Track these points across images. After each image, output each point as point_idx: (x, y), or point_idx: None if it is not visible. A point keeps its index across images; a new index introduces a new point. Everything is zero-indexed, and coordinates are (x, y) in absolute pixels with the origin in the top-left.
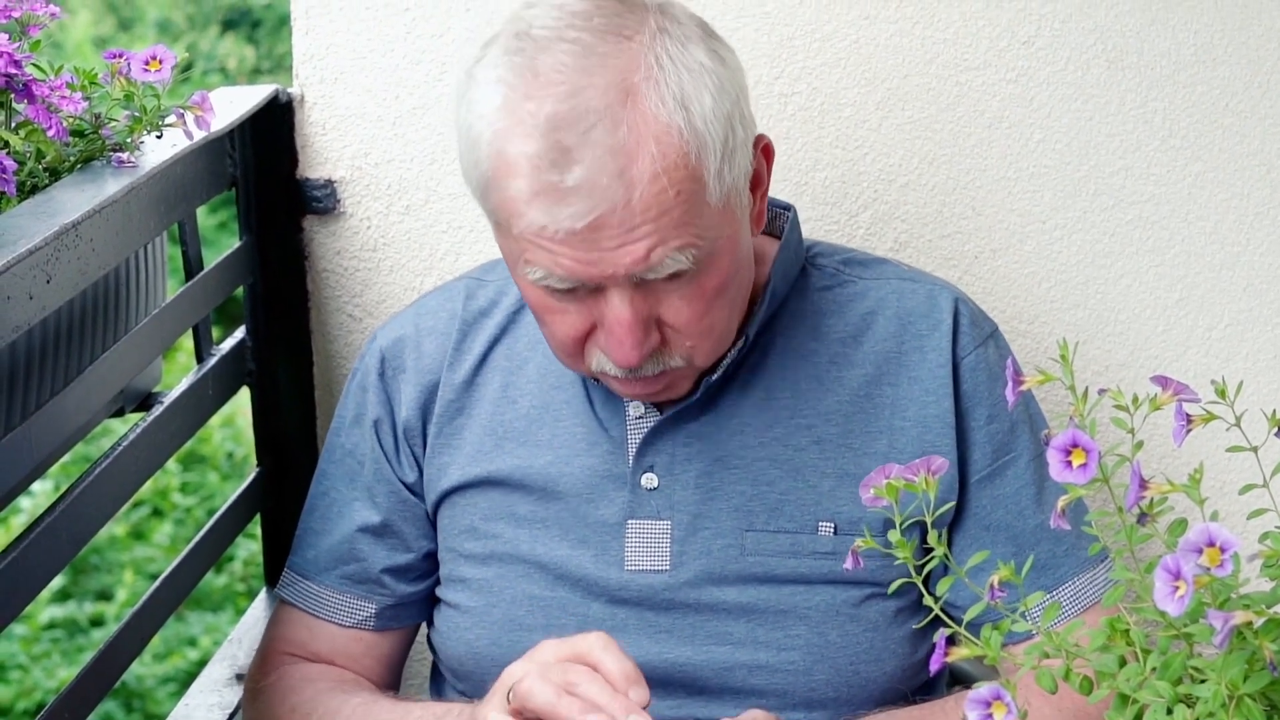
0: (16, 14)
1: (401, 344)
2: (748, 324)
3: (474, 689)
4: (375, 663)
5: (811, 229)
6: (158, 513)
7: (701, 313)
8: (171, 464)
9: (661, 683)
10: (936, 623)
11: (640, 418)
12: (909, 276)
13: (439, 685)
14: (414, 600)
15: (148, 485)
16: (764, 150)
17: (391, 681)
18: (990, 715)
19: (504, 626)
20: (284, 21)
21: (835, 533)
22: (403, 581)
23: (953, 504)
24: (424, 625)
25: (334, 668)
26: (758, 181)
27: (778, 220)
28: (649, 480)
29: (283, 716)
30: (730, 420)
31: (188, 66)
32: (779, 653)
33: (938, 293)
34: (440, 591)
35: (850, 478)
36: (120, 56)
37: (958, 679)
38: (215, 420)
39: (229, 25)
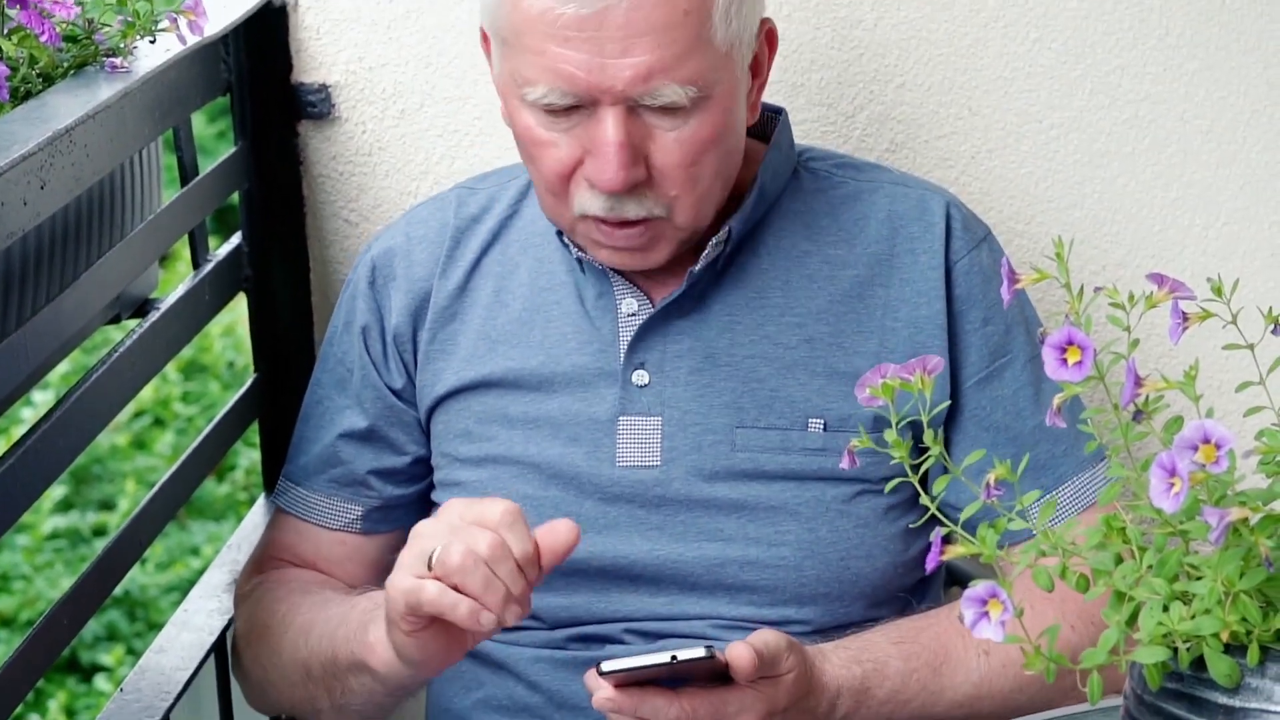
0: None
1: (392, 254)
2: (732, 218)
3: None
4: (360, 567)
5: (807, 130)
6: (159, 422)
7: (690, 159)
8: (172, 373)
9: (653, 579)
10: (931, 522)
11: (632, 315)
12: (902, 181)
13: None
14: (402, 503)
15: (149, 395)
16: (768, 34)
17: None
18: (986, 613)
19: None
20: None
21: (825, 429)
22: (390, 484)
23: (946, 404)
24: None
25: (317, 572)
26: (758, 68)
27: (770, 124)
28: (640, 377)
29: (260, 617)
30: (721, 317)
31: None
32: (770, 548)
33: (929, 197)
34: (435, 496)
35: (841, 376)
36: None
37: (955, 580)
38: (215, 329)
39: None
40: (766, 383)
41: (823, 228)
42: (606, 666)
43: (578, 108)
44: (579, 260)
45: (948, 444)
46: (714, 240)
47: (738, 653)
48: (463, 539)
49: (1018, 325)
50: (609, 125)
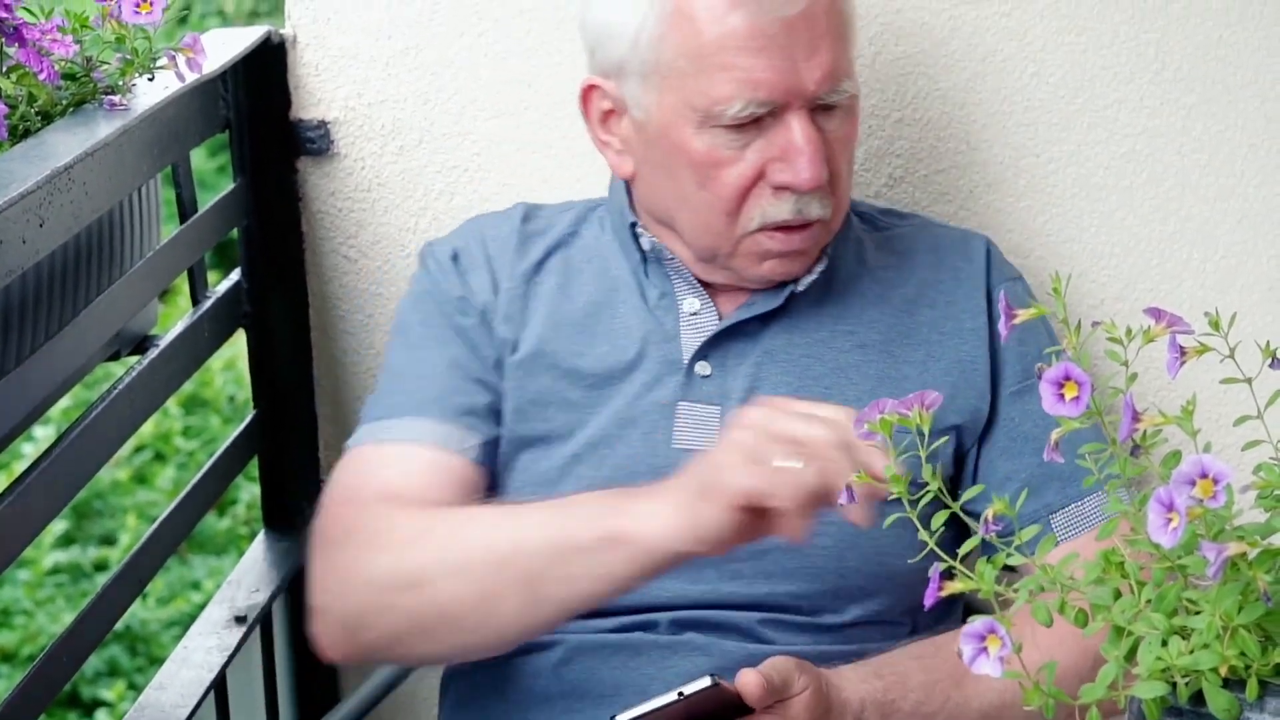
0: None
1: (468, 244)
2: (827, 244)
3: None
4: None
5: None
6: (160, 457)
7: (848, 158)
8: (173, 408)
9: (695, 563)
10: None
11: (694, 314)
12: (943, 225)
13: None
14: (497, 448)
15: (150, 429)
16: None
17: None
18: (985, 649)
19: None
20: None
21: None
22: (493, 424)
23: (946, 439)
24: None
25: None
26: None
27: None
28: (702, 368)
29: (386, 532)
30: (781, 319)
31: (186, 9)
32: (811, 536)
33: (971, 235)
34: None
35: (889, 380)
36: None
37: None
38: (216, 364)
39: None
40: (820, 380)
41: (873, 257)
42: (621, 718)
43: (760, 119)
44: (645, 260)
45: (979, 452)
46: (819, 267)
47: (747, 679)
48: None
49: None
50: (802, 126)
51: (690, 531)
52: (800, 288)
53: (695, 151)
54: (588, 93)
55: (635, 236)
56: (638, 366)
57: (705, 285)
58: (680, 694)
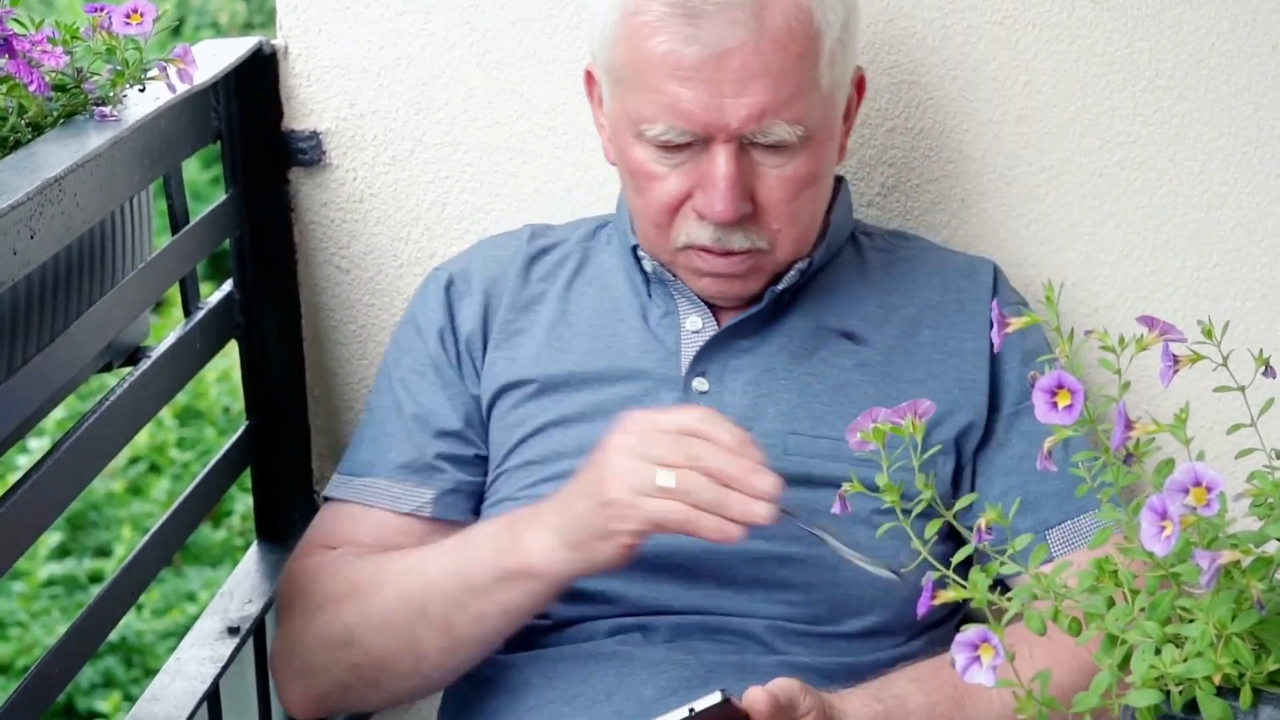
0: None
1: (469, 270)
2: (814, 250)
3: None
4: None
5: None
6: (155, 468)
7: (791, 196)
8: (168, 419)
9: (692, 572)
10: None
11: (696, 332)
12: (949, 248)
13: None
14: (471, 490)
15: (145, 441)
16: (858, 81)
17: None
18: (978, 658)
19: None
20: None
21: None
22: (459, 469)
23: (938, 448)
24: None
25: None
26: (848, 112)
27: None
28: (700, 384)
29: (337, 580)
30: (780, 338)
31: (179, 21)
32: (809, 547)
33: (978, 260)
34: (488, 493)
35: (889, 399)
36: (101, 10)
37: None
38: (211, 375)
39: None
40: (820, 398)
41: (877, 278)
42: None
43: (690, 144)
44: (648, 282)
45: (977, 468)
46: (798, 265)
47: (754, 695)
48: (682, 451)
49: None
50: (721, 161)
51: (586, 564)
52: (780, 286)
53: (633, 159)
54: (588, 75)
55: (638, 259)
56: (636, 382)
57: (708, 303)
58: (691, 710)
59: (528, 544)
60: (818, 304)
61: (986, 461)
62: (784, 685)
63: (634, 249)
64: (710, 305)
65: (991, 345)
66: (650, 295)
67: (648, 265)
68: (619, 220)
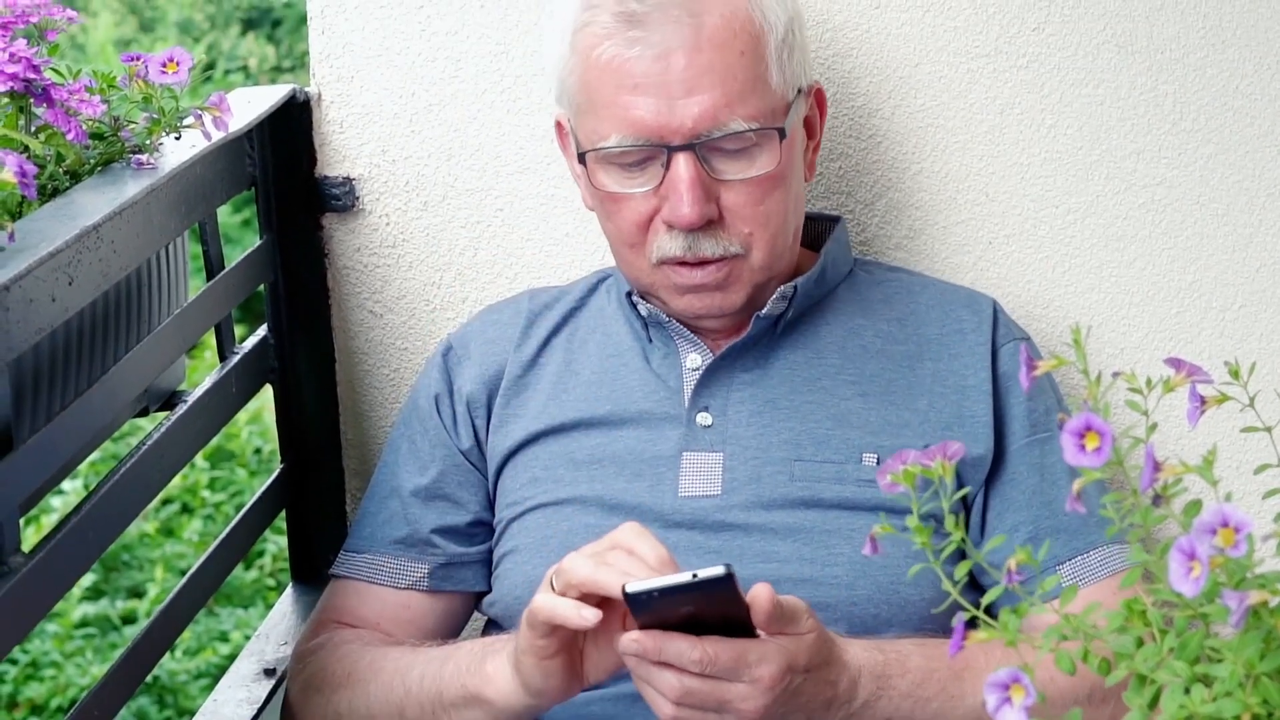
0: (34, 19)
1: (468, 336)
2: (799, 278)
3: None
4: (423, 632)
5: None
6: (187, 509)
7: (758, 199)
8: (200, 460)
9: None
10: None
11: (695, 369)
12: (950, 283)
13: None
14: (468, 561)
15: (176, 482)
16: (817, 96)
17: None
18: (1009, 699)
19: (559, 554)
20: (304, 20)
21: (879, 462)
22: (453, 542)
23: (967, 489)
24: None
25: (380, 633)
26: (811, 128)
27: (827, 230)
28: (703, 418)
29: (339, 665)
30: (781, 371)
31: (210, 66)
32: (823, 568)
33: (978, 295)
34: (498, 546)
35: (892, 424)
36: (138, 59)
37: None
38: (242, 417)
39: (250, 24)
40: (822, 425)
41: (877, 311)
42: (630, 588)
43: (650, 159)
44: (646, 326)
45: (986, 501)
46: (781, 290)
47: (759, 591)
48: (590, 550)
49: (1056, 410)
50: (680, 167)
51: (524, 688)
52: (763, 310)
53: (599, 185)
54: (558, 127)
55: (634, 305)
56: (641, 422)
57: (708, 335)
58: (694, 575)
59: (489, 669)
60: (817, 334)
61: (998, 495)
62: (791, 599)
63: (629, 294)
64: (706, 340)
65: (994, 379)
66: (650, 339)
67: (643, 309)
68: (618, 270)
